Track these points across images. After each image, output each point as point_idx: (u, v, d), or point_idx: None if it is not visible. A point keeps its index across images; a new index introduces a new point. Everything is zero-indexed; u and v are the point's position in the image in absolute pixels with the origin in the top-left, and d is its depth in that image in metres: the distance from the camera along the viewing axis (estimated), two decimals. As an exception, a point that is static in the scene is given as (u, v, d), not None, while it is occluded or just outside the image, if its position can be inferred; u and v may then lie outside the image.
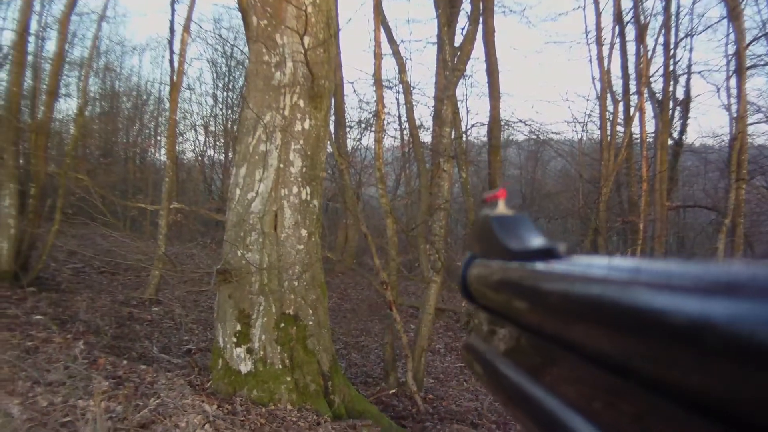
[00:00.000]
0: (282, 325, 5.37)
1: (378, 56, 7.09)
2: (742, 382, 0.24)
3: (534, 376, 0.46)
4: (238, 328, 5.33)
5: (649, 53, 14.75)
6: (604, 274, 0.37)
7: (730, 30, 14.56)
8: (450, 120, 7.90)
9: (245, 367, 5.30)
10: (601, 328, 0.35)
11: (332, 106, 8.45)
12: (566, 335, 0.40)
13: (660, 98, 15.72)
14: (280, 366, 5.32)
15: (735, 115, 14.33)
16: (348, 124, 17.28)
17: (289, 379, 5.30)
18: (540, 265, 0.47)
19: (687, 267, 0.30)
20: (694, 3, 21.79)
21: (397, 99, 18.51)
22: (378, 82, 7.31)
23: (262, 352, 5.30)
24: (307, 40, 5.15)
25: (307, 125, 5.48)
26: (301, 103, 5.44)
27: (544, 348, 0.44)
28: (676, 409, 0.28)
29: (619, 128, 14.96)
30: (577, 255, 0.47)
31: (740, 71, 13.27)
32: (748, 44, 14.09)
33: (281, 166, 5.40)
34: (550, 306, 0.42)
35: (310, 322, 5.52)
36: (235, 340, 5.34)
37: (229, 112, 23.88)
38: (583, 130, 21.68)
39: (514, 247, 0.54)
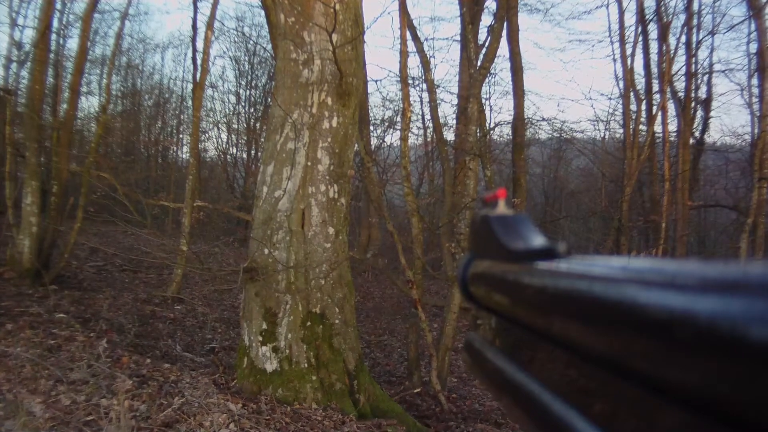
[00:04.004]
0: (308, 323, 5.35)
1: (404, 54, 7.03)
2: (721, 375, 0.25)
3: (535, 374, 0.46)
4: (264, 326, 5.32)
5: (672, 52, 14.65)
6: (601, 272, 0.38)
7: (753, 29, 14.47)
8: (475, 118, 7.87)
9: (271, 366, 5.29)
10: (597, 325, 0.35)
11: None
12: (565, 333, 0.40)
13: (682, 97, 15.62)
14: (306, 365, 5.30)
15: (757, 114, 14.23)
16: (372, 122, 17.23)
17: (314, 378, 5.29)
18: (540, 265, 0.48)
19: (683, 266, 0.31)
20: (715, 1, 21.55)
21: (421, 97, 18.46)
22: (404, 81, 7.26)
23: (287, 351, 5.29)
24: (335, 37, 5.12)
25: (335, 123, 5.46)
26: (329, 100, 5.42)
27: (544, 346, 0.44)
28: (669, 407, 0.29)
29: (642, 127, 14.85)
30: (577, 255, 0.48)
31: (762, 70, 13.16)
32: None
33: (309, 164, 5.38)
34: (549, 304, 0.42)
35: (337, 321, 5.50)
36: (260, 338, 5.33)
37: (252, 110, 24.06)
38: (606, 129, 21.53)
39: (514, 247, 0.54)
